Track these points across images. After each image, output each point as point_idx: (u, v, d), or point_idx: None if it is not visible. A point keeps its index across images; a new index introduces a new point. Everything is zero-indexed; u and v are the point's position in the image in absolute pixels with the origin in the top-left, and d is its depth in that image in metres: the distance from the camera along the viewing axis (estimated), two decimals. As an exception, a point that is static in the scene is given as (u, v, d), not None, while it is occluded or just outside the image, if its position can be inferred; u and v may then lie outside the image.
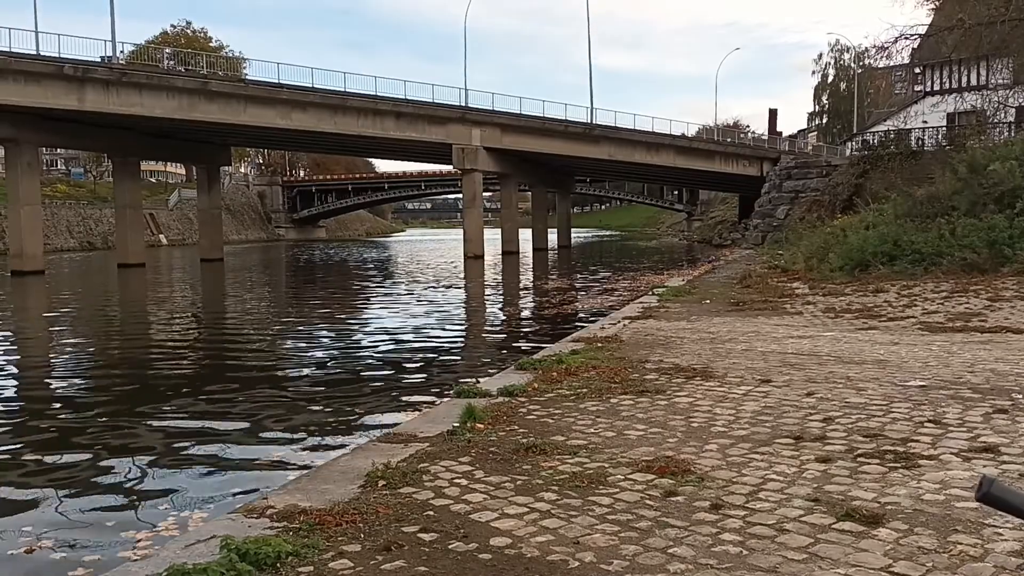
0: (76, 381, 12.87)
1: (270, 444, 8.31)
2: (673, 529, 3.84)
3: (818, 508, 4.02)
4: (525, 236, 60.01)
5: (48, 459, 7.96)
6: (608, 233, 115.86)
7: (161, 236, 78.23)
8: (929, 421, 5.56)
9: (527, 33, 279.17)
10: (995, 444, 4.93)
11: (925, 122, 38.42)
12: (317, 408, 10.03)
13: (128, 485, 7.08)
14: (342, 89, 44.68)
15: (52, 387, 12.38)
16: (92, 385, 12.51)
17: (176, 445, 8.37)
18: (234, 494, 6.53)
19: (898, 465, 4.63)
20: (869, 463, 4.70)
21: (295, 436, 8.57)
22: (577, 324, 16.16)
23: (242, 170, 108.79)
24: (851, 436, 5.29)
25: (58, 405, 10.93)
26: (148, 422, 9.46)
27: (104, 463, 7.79)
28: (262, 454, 7.88)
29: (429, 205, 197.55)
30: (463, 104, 47.96)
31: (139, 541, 5.53)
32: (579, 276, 34.17)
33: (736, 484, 4.44)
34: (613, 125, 51.48)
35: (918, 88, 46.67)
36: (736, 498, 4.22)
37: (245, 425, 9.23)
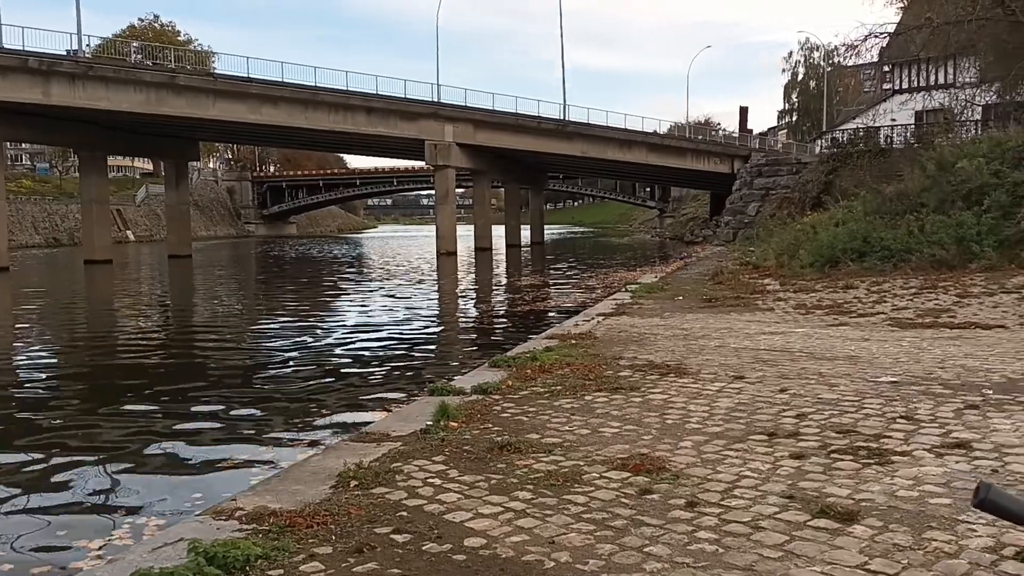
0: (36, 379, 12.60)
1: (238, 444, 8.15)
2: (649, 528, 3.81)
3: (793, 505, 4.01)
4: (498, 233, 60.01)
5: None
6: (581, 230, 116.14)
7: (128, 232, 77.22)
8: (901, 417, 5.59)
9: (503, 30, 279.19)
10: (967, 440, 4.95)
11: (894, 120, 38.82)
12: (287, 407, 9.89)
13: (83, 489, 6.83)
14: (312, 84, 44.35)
15: (11, 385, 12.09)
16: (53, 383, 12.27)
17: (137, 446, 8.18)
18: (200, 496, 6.38)
19: (871, 461, 4.64)
20: (843, 459, 4.71)
21: (264, 435, 8.43)
22: (551, 321, 16.14)
23: (211, 165, 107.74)
24: (824, 432, 5.30)
25: (15, 404, 10.64)
26: (109, 422, 9.26)
27: (58, 465, 7.53)
28: (230, 454, 7.73)
29: (396, 201, 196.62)
30: (436, 100, 47.80)
31: (92, 550, 5.34)
32: (552, 273, 34.18)
33: (711, 481, 4.42)
34: (586, 122, 51.59)
35: (886, 86, 47.22)
36: (711, 496, 4.20)
37: (212, 425, 9.07)
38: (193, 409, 9.80)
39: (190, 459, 7.70)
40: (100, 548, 5.35)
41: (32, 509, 6.41)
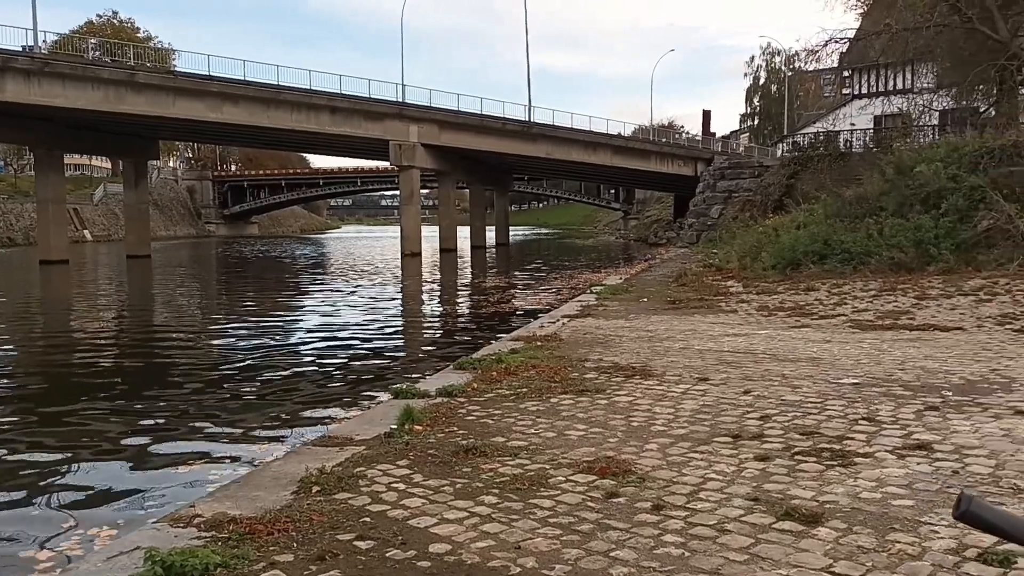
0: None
1: (196, 448, 8.00)
2: (615, 531, 3.79)
3: (758, 508, 4.02)
4: (463, 234, 59.89)
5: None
6: (546, 231, 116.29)
7: (85, 232, 75.78)
8: (863, 419, 5.64)
9: (467, 31, 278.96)
10: (928, 441, 5.01)
11: (853, 124, 39.40)
12: (248, 410, 9.74)
13: (31, 495, 6.62)
14: (275, 82, 43.85)
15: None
16: (6, 383, 11.96)
17: (93, 450, 7.99)
18: (154, 503, 6.20)
19: (835, 463, 4.67)
20: (806, 461, 4.73)
21: (224, 439, 8.28)
22: (516, 322, 16.11)
23: (171, 164, 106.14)
24: (788, 434, 5.32)
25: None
26: (62, 426, 9.01)
27: (6, 469, 7.32)
28: (188, 459, 7.57)
29: (359, 202, 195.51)
30: (400, 100, 47.53)
31: (41, 561, 5.14)
32: (517, 274, 34.16)
33: (677, 484, 4.41)
34: (551, 124, 51.65)
35: (846, 91, 47.94)
36: (677, 498, 4.19)
37: (169, 428, 8.89)
38: (150, 412, 9.60)
39: (146, 464, 7.53)
40: (48, 559, 5.18)
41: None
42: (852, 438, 5.17)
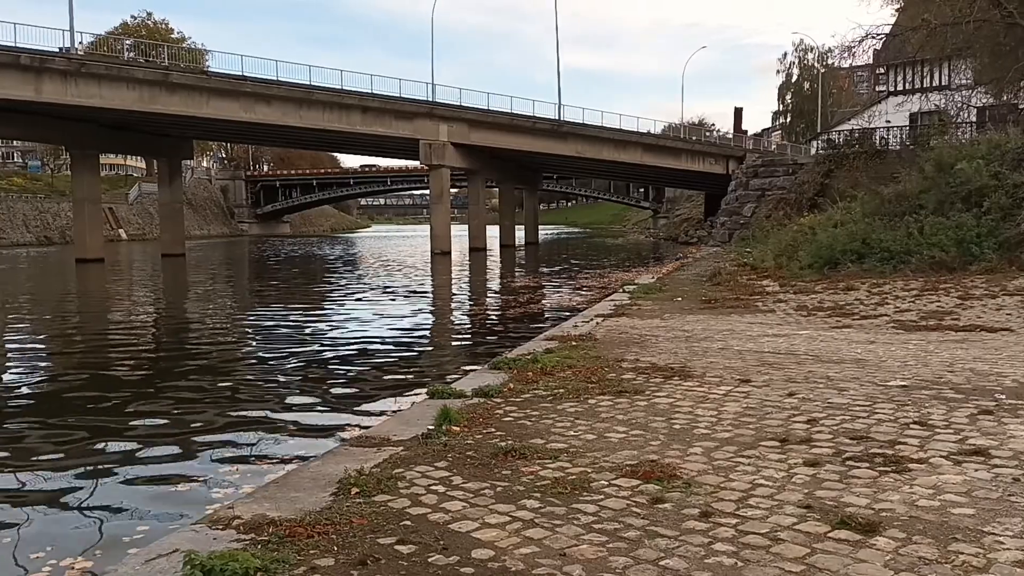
0: (25, 379, 12.38)
1: (233, 448, 7.99)
2: (663, 539, 3.66)
3: (811, 515, 3.87)
4: (492, 233, 59.94)
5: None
6: (575, 230, 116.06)
7: (121, 231, 76.89)
8: (915, 423, 5.45)
9: (496, 31, 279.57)
10: (984, 447, 4.82)
11: (888, 122, 38.78)
12: (283, 410, 9.72)
13: (63, 498, 6.58)
14: (307, 82, 44.20)
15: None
16: (42, 383, 12.06)
17: (128, 448, 7.99)
18: (192, 500, 6.18)
19: (888, 469, 4.50)
20: (859, 467, 4.57)
21: (260, 439, 8.24)
22: (549, 322, 15.99)
23: (204, 164, 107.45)
24: (837, 438, 5.16)
25: (2, 405, 10.46)
26: (98, 424, 9.06)
27: (42, 472, 7.31)
28: (225, 458, 7.57)
29: (395, 201, 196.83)
30: (430, 99, 47.65)
31: (72, 567, 5.10)
32: (548, 273, 34.04)
33: (724, 490, 4.28)
34: (581, 122, 51.52)
35: (880, 88, 47.18)
36: (726, 505, 4.06)
37: (206, 427, 8.90)
38: (186, 412, 9.61)
39: (185, 463, 7.52)
40: (80, 568, 5.11)
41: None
42: (904, 443, 5.00)
